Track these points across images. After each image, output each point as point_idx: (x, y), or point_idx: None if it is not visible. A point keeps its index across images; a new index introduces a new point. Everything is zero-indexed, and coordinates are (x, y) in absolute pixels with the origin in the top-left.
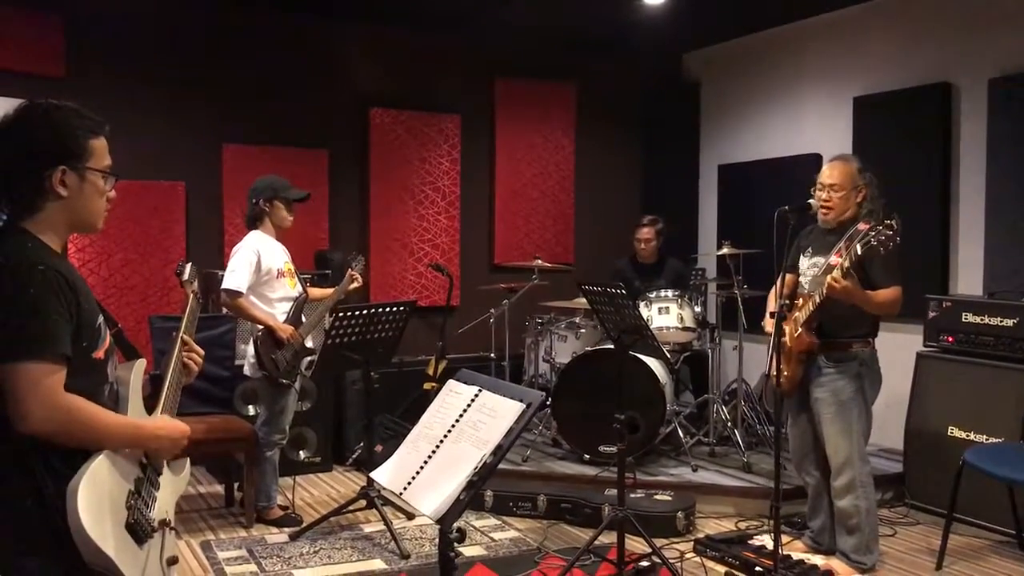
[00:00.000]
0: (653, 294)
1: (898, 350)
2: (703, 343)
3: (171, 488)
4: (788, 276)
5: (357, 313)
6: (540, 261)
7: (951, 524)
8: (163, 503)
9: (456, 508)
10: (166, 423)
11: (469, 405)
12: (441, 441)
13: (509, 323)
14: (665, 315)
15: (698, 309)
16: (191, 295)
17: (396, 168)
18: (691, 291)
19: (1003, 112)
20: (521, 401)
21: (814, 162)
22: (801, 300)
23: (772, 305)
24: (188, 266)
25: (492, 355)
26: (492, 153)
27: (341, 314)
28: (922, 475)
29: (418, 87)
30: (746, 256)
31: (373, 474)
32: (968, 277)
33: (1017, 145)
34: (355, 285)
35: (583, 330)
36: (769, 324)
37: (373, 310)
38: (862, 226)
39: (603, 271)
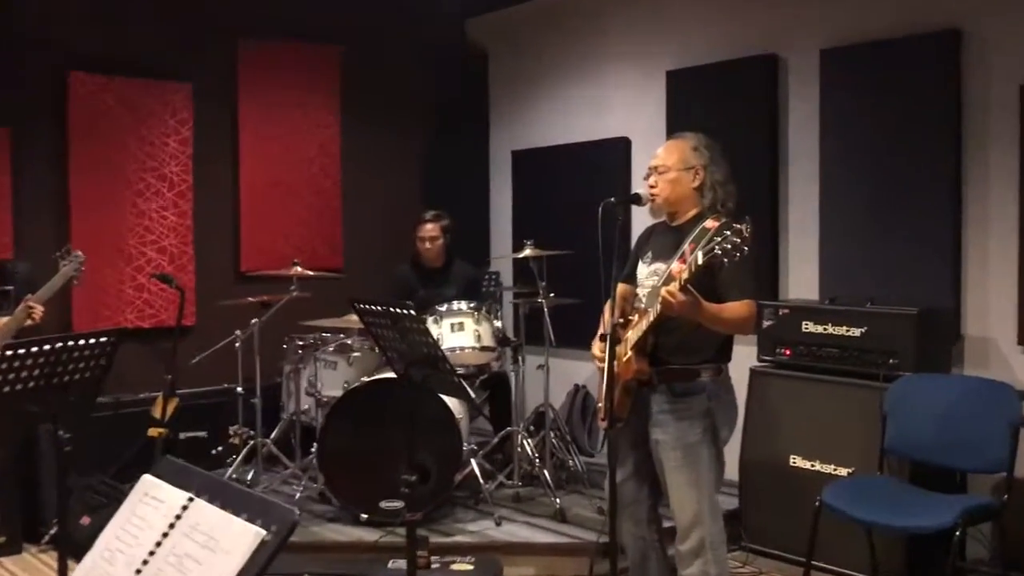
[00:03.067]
0: (444, 307)
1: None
2: (503, 363)
3: None
4: (622, 287)
5: (36, 350)
6: (299, 268)
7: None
8: None
9: None
10: None
11: (173, 525)
12: None
13: (261, 347)
14: (459, 333)
15: (498, 324)
16: None
17: (106, 150)
18: (487, 301)
19: (837, 87)
20: (260, 524)
21: (623, 147)
22: (636, 317)
23: (605, 325)
24: None
25: (239, 388)
26: (235, 132)
27: (11, 353)
28: (761, 513)
29: (134, 46)
30: (551, 259)
31: None
32: (802, 279)
33: (853, 126)
34: (31, 322)
35: (356, 354)
36: (598, 348)
37: (61, 344)
38: (710, 224)
39: (380, 279)
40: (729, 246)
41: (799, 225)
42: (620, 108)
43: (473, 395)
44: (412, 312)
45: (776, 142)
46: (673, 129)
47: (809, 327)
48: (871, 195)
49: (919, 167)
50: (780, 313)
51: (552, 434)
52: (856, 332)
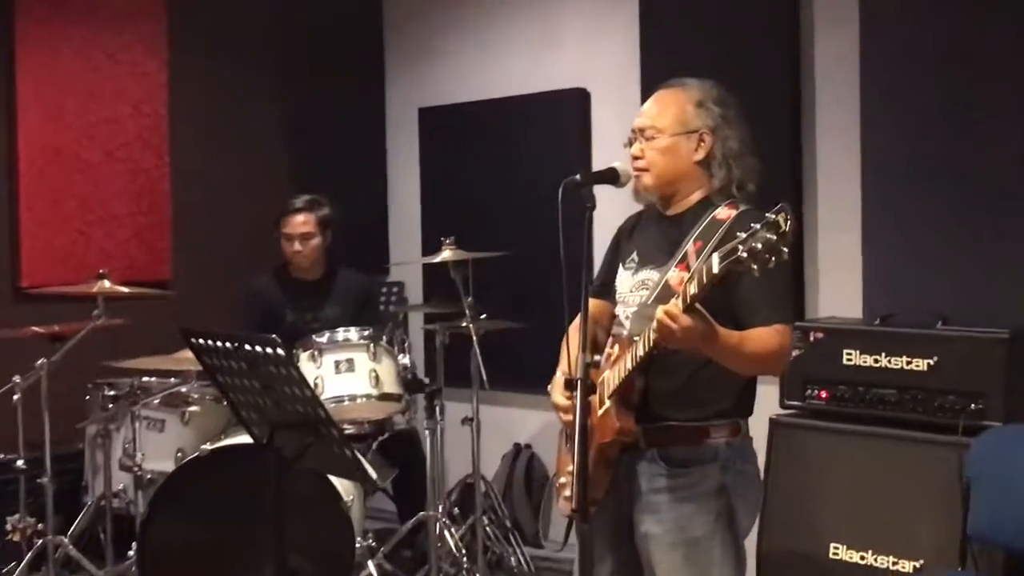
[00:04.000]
0: (324, 337)
1: None
2: (412, 417)
3: None
4: (595, 306)
5: None
6: (107, 283)
7: None
8: None
9: None
10: None
11: None
12: None
13: (52, 400)
14: (348, 375)
15: (404, 360)
16: None
17: None
18: (387, 326)
19: (886, 17)
20: None
21: (578, 103)
22: (617, 349)
23: (566, 362)
24: None
25: (20, 461)
26: (10, 82)
27: None
28: None
29: None
30: (480, 265)
31: None
32: (838, 291)
33: (910, 72)
34: None
35: (194, 408)
36: (562, 395)
37: None
38: (723, 213)
39: (228, 297)
40: (759, 246)
41: (833, 215)
42: (574, 47)
43: (376, 476)
44: (279, 350)
45: (798, 97)
46: (648, 76)
47: (853, 358)
48: (936, 170)
49: (1006, 129)
50: (812, 338)
51: (485, 518)
52: (922, 364)
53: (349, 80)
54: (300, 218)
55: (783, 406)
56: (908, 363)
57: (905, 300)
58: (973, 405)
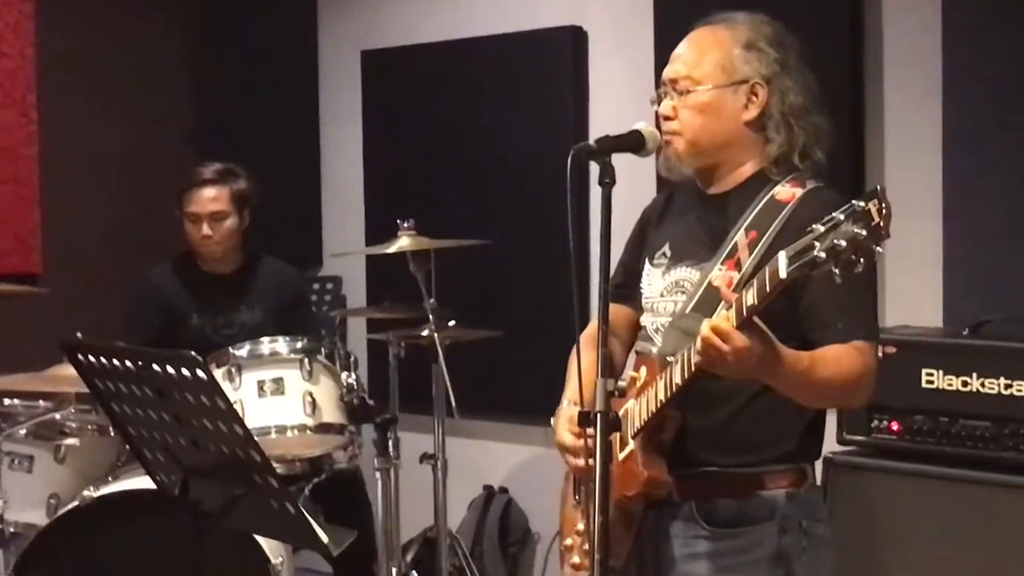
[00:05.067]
0: (243, 349)
1: None
2: (356, 453)
3: None
4: (614, 311)
5: None
6: None
7: None
8: None
9: None
10: None
11: None
12: None
13: None
14: (275, 399)
15: (349, 379)
16: None
17: None
18: (327, 335)
19: None
20: None
21: (570, 45)
22: (645, 372)
23: (574, 390)
24: None
25: None
26: None
27: None
28: None
29: None
30: (444, 257)
31: None
32: (911, 295)
33: (997, 27)
34: None
35: (73, 441)
36: (568, 431)
37: None
38: (785, 192)
39: (116, 295)
40: (843, 244)
41: (905, 196)
42: None
43: (327, 539)
44: (201, 373)
45: (860, 42)
46: (663, 10)
47: (935, 380)
48: None
49: None
50: (881, 354)
51: None
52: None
53: (273, 15)
54: (209, 193)
55: (842, 441)
56: (1007, 386)
57: (1000, 305)
58: None
